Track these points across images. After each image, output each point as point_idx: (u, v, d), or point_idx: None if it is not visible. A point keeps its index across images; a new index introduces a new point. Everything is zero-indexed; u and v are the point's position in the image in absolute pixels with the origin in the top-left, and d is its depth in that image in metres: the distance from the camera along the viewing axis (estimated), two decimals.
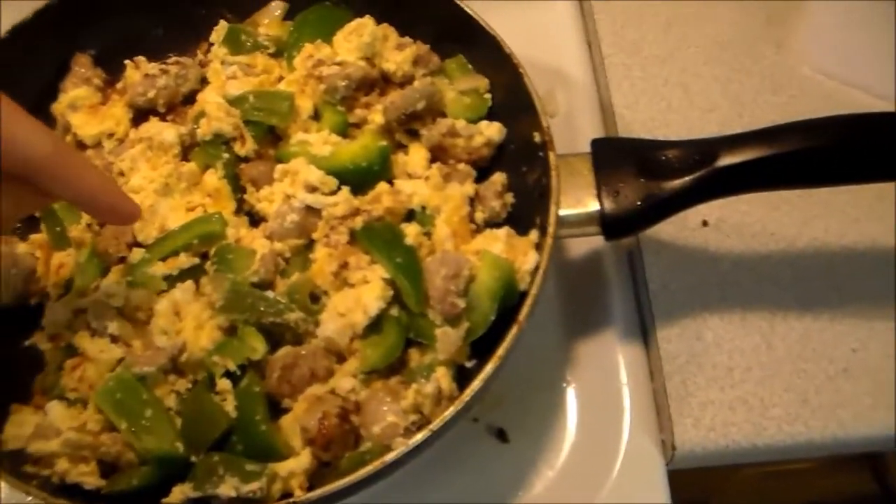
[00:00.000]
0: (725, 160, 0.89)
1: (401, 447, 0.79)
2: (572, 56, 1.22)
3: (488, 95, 1.03)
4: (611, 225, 0.91)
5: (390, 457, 0.78)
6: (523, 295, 0.88)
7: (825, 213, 1.08)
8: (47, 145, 0.69)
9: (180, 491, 0.80)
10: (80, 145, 1.03)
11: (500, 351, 0.83)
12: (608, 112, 1.17)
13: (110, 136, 1.01)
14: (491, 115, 1.02)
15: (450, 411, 0.80)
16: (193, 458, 0.83)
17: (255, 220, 0.97)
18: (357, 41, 1.02)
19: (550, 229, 0.89)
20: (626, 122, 1.15)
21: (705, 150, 0.91)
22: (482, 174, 1.00)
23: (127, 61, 1.06)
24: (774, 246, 1.06)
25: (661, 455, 0.97)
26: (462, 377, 0.88)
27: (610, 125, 1.16)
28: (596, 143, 0.96)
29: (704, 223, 1.08)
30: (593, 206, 0.91)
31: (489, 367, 0.82)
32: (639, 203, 0.90)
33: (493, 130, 1.00)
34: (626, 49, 1.22)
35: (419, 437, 0.79)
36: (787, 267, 1.05)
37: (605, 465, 0.96)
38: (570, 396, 1.00)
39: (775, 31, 1.23)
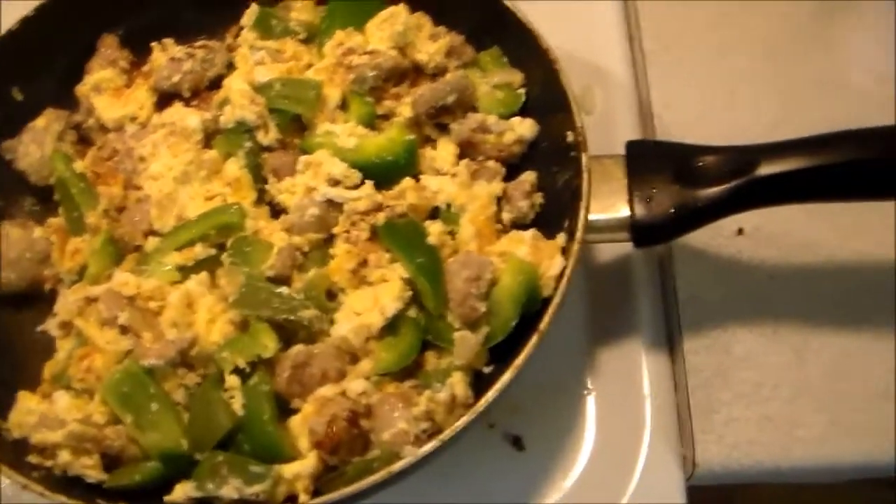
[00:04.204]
0: (766, 169, 0.86)
1: (409, 456, 0.77)
2: (613, 52, 1.17)
3: (522, 91, 1.00)
4: (641, 232, 0.88)
5: (398, 466, 0.77)
6: (546, 301, 0.85)
7: (872, 224, 1.02)
8: None
9: (182, 489, 0.79)
10: (103, 128, 1.01)
11: (519, 360, 0.81)
12: (646, 111, 1.13)
13: (133, 119, 1.00)
14: (524, 112, 0.99)
15: (462, 421, 0.78)
16: (198, 456, 0.81)
17: (276, 210, 0.94)
18: (389, 30, 1.00)
19: (578, 234, 0.86)
20: (664, 122, 1.11)
21: (745, 157, 0.87)
22: (511, 172, 0.97)
23: (154, 43, 1.04)
24: (814, 258, 1.02)
25: (681, 470, 0.94)
26: (478, 382, 0.85)
27: (648, 125, 1.12)
28: (631, 146, 0.92)
29: (740, 231, 1.03)
30: (624, 211, 0.88)
31: (506, 377, 0.80)
32: (672, 211, 0.87)
33: (525, 127, 0.97)
34: (670, 46, 1.17)
35: (428, 447, 0.77)
36: (827, 280, 1.01)
37: (622, 478, 0.93)
38: (590, 405, 0.97)
39: (826, 32, 1.18)
